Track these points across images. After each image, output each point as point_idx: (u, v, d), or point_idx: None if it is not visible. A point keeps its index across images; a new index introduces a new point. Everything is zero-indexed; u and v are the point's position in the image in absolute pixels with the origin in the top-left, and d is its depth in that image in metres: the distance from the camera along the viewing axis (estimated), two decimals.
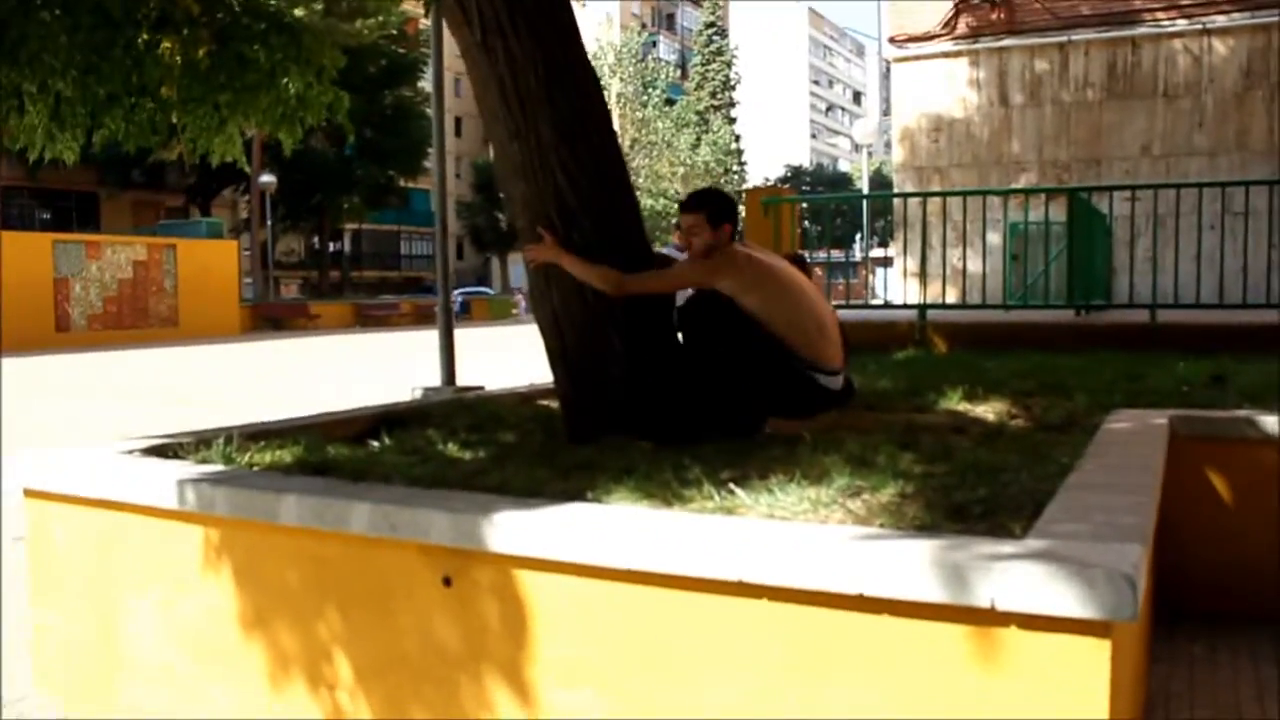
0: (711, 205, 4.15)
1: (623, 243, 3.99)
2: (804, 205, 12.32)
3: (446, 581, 2.65)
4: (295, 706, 2.99)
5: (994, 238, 11.49)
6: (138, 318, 29.26)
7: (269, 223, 40.15)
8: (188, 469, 3.31)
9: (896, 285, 14.89)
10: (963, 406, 4.67)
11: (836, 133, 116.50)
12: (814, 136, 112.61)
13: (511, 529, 2.52)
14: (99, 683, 3.46)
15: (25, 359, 21.17)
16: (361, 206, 48.01)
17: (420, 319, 40.37)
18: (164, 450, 3.67)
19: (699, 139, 56.59)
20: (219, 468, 3.37)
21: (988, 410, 4.58)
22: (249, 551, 3.06)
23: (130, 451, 3.64)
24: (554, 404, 4.63)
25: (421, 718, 2.76)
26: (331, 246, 54.21)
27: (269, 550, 3.01)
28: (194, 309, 30.48)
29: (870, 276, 28.21)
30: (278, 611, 3.01)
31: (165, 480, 3.18)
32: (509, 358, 16.29)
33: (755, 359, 3.98)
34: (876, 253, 34.81)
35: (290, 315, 37.16)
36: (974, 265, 9.81)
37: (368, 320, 39.70)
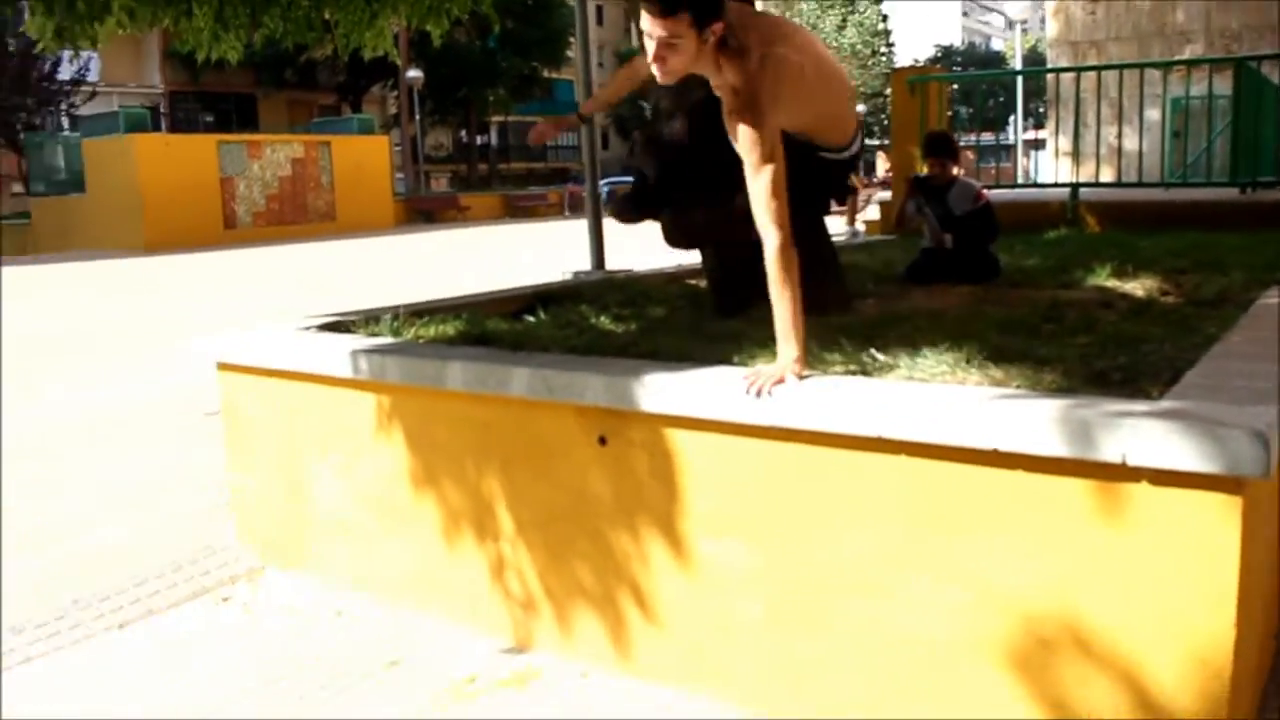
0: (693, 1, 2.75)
1: None
2: (953, 85, 11.97)
3: (601, 440, 2.84)
4: (464, 557, 3.25)
5: (1153, 114, 10.98)
6: (298, 213, 30.30)
7: (417, 118, 40.83)
8: (360, 341, 3.58)
9: (1048, 167, 14.39)
10: (1111, 283, 4.62)
11: (989, 9, 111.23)
12: (965, 14, 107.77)
13: (662, 390, 2.69)
14: (290, 537, 3.81)
15: (199, 255, 22.31)
16: (507, 98, 48.33)
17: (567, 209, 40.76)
18: (338, 326, 3.95)
19: (845, 20, 54.97)
20: (388, 340, 3.63)
21: (1137, 287, 4.53)
22: (418, 416, 3.31)
23: (308, 328, 3.94)
24: (701, 283, 4.76)
25: (578, 566, 2.99)
26: (479, 139, 54.85)
27: (436, 414, 3.26)
28: (350, 204, 31.37)
29: (1025, 160, 27.17)
30: (446, 470, 3.26)
31: (341, 352, 3.45)
32: (651, 244, 16.42)
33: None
34: (1030, 136, 33.57)
35: (441, 207, 37.92)
36: (1130, 143, 9.40)
37: (516, 211, 40.23)
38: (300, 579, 3.74)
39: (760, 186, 2.72)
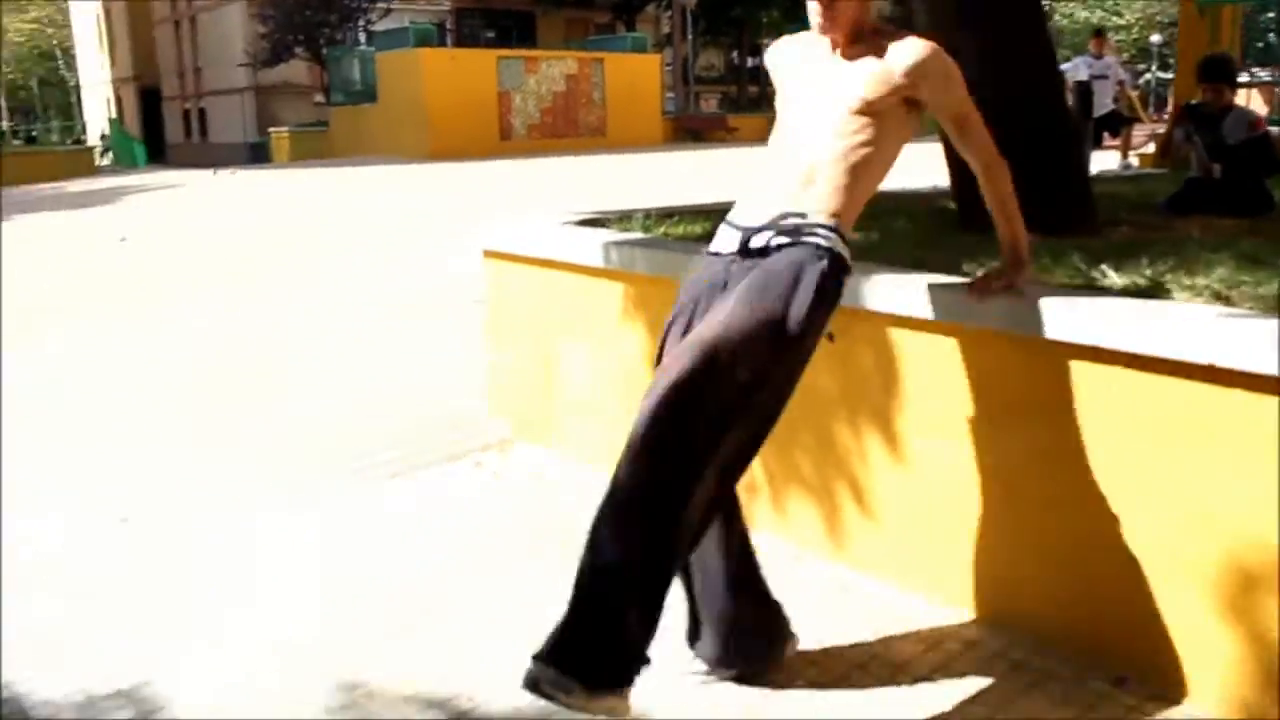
0: None
1: (1023, 47, 3.99)
2: (1256, 8, 11.12)
3: (830, 337, 2.99)
4: None
5: None
6: (569, 127, 31.21)
7: (689, 38, 41.05)
8: (613, 235, 3.85)
9: None
10: None
11: None
12: None
13: (890, 293, 2.82)
14: (539, 412, 4.17)
15: (477, 163, 23.45)
16: (780, 20, 47.74)
17: None
18: (595, 222, 4.24)
19: None
20: (638, 235, 3.89)
21: None
22: (662, 305, 3.51)
23: (567, 223, 4.25)
24: (951, 203, 4.78)
25: (799, 456, 3.18)
26: (750, 61, 54.55)
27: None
28: (620, 120, 32.02)
29: None
30: None
31: (594, 244, 3.73)
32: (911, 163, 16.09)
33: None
34: None
35: (709, 127, 38.08)
36: None
37: None
38: (546, 452, 4.10)
39: (976, 117, 2.63)
